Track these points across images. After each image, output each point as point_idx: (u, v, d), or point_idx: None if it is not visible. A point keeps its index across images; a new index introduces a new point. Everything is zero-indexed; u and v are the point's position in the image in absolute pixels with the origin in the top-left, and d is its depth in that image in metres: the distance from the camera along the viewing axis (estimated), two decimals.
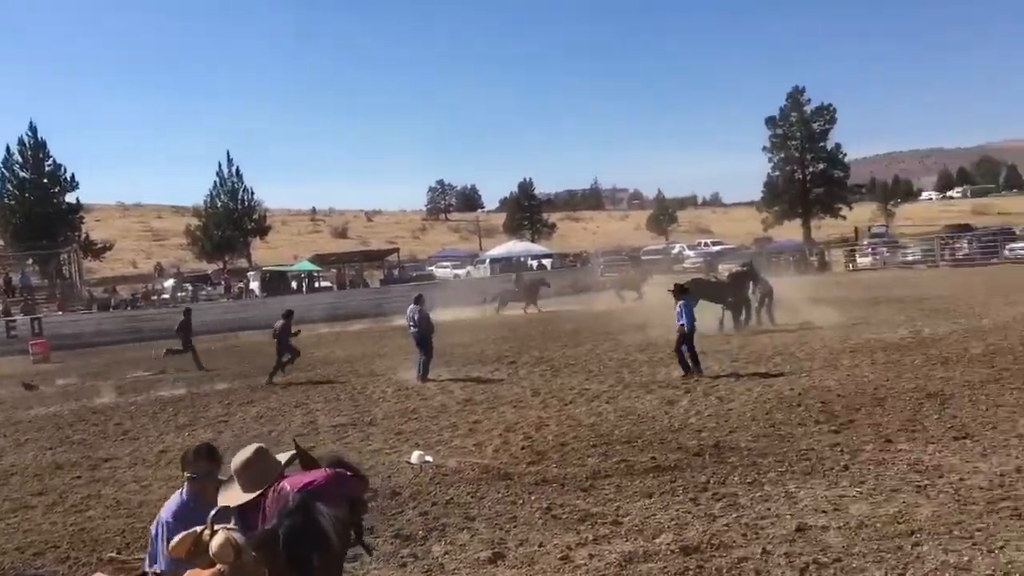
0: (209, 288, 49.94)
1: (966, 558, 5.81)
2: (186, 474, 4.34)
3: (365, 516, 3.93)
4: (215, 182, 67.75)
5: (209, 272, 59.94)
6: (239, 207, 67.00)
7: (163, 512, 4.32)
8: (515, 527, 7.32)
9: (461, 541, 7.07)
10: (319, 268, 50.94)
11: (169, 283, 49.32)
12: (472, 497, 8.35)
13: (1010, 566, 5.59)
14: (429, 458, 10.05)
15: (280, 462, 3.73)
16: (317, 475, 3.47)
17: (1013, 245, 43.91)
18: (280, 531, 3.02)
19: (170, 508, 4.29)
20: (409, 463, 9.94)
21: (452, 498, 8.37)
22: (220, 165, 66.83)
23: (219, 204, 66.99)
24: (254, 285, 49.63)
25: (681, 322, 14.63)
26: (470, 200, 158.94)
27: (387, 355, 21.33)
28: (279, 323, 18.65)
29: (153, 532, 4.33)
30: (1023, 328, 17.28)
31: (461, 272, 58.83)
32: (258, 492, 3.55)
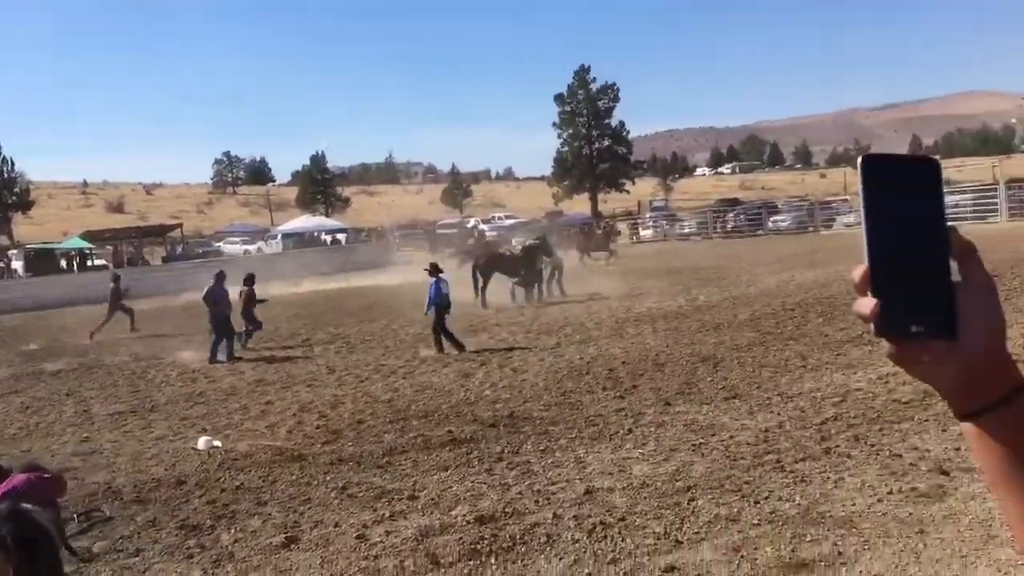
0: None
1: (735, 509, 6.28)
2: None
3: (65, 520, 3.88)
4: None
5: None
6: None
7: None
8: (309, 509, 7.17)
9: (252, 527, 6.83)
10: (91, 245, 47.41)
11: None
12: (264, 481, 8.09)
13: (773, 515, 6.10)
14: (217, 443, 9.63)
15: None
16: (16, 480, 3.34)
17: (776, 217, 47.81)
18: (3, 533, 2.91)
19: None
20: (195, 449, 9.48)
21: (242, 483, 8.07)
22: None
23: None
24: (17, 264, 45.56)
25: (430, 300, 14.81)
26: (259, 173, 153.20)
27: (170, 336, 20.21)
28: (243, 290, 17.58)
29: None
30: (784, 295, 18.87)
31: (252, 248, 56.67)
32: None
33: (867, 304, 0.72)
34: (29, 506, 3.00)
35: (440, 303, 14.78)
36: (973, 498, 6.01)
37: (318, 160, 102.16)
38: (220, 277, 16.68)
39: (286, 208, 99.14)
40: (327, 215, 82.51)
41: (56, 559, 3.20)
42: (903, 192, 0.71)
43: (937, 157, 0.76)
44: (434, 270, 15.11)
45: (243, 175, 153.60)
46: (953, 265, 0.72)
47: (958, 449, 7.09)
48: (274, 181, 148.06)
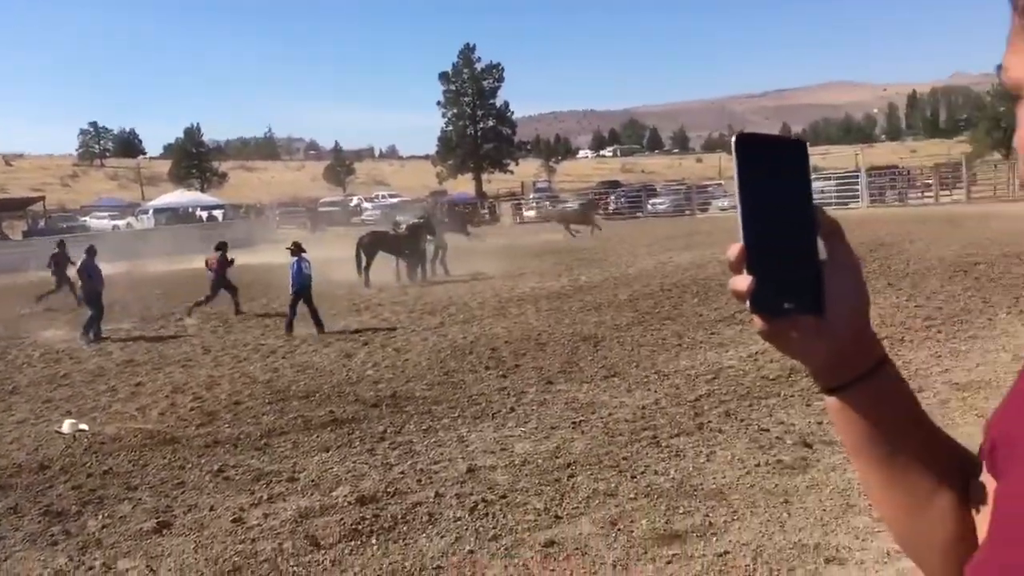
0: None
1: (614, 484, 6.45)
2: None
3: None
4: None
5: None
6: None
7: None
8: (183, 493, 6.95)
9: (121, 513, 6.57)
10: None
11: None
12: (134, 465, 7.79)
13: (649, 488, 6.29)
14: (84, 426, 9.21)
15: None
16: None
17: (654, 200, 49.06)
18: None
19: None
20: (60, 433, 9.03)
21: (111, 468, 7.74)
22: None
23: None
24: None
25: (292, 279, 14.68)
26: (129, 145, 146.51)
27: (33, 315, 19.17)
28: (214, 255, 17.53)
29: None
30: (662, 276, 19.40)
31: (121, 223, 54.21)
32: None
33: (742, 282, 0.74)
34: None
35: (302, 283, 14.60)
36: (834, 469, 6.35)
37: (193, 133, 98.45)
38: (92, 251, 16.19)
39: (158, 183, 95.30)
40: (203, 190, 79.74)
41: None
42: (774, 172, 0.74)
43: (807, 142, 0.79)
44: (296, 249, 14.89)
45: (111, 147, 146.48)
46: (820, 244, 0.75)
47: (820, 423, 7.48)
48: (145, 154, 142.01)
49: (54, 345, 14.88)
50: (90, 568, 5.58)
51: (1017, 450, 0.64)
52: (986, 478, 0.71)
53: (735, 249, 0.74)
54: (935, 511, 0.76)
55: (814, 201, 0.75)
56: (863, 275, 0.77)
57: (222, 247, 17.88)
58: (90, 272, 15.70)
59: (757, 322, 0.75)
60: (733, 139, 0.74)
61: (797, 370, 9.47)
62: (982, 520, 0.71)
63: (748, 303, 0.74)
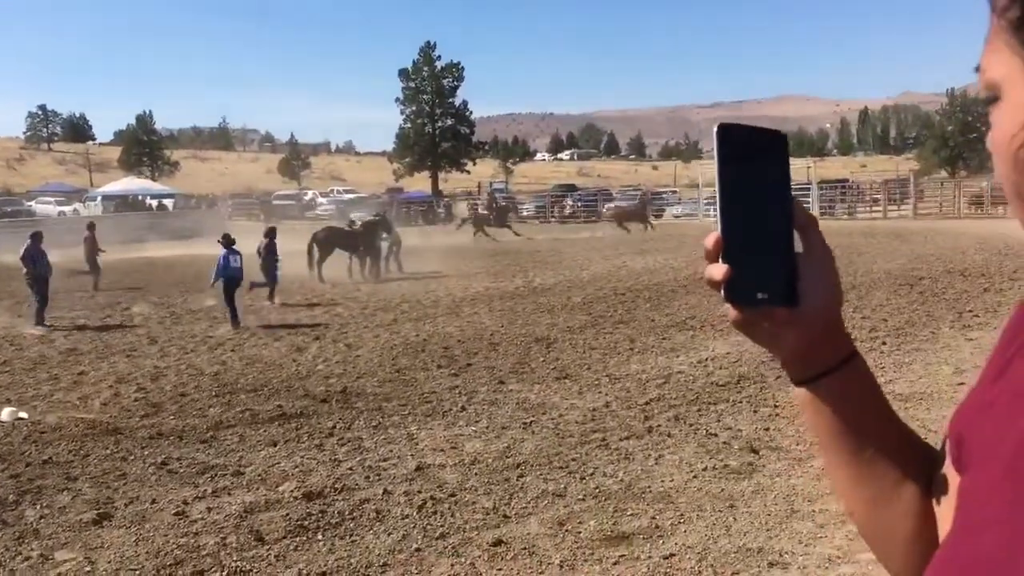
0: None
1: (563, 485, 6.47)
2: None
3: None
4: None
5: None
6: None
7: None
8: (125, 485, 6.81)
9: (61, 503, 6.42)
10: None
11: None
12: (75, 455, 7.61)
13: (598, 490, 6.33)
14: (23, 414, 8.98)
15: None
16: None
17: (610, 204, 49.28)
18: None
19: None
20: None
21: (50, 457, 7.56)
22: None
23: None
24: None
25: (218, 271, 14.65)
26: (78, 130, 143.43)
27: None
28: (263, 243, 17.45)
29: None
30: (616, 280, 19.52)
31: (68, 209, 52.97)
32: None
33: (717, 271, 0.74)
34: None
35: (228, 276, 14.50)
36: (779, 475, 6.45)
37: (144, 120, 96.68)
38: (36, 237, 15.87)
39: (107, 169, 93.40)
40: (153, 179, 78.33)
41: None
42: (754, 163, 0.74)
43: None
44: (227, 242, 14.76)
45: (60, 131, 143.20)
46: (796, 237, 0.76)
47: (767, 429, 7.59)
48: (94, 139, 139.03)
49: None
50: (27, 558, 5.44)
51: (979, 445, 0.65)
52: (948, 471, 0.72)
53: (712, 238, 0.74)
54: (900, 504, 0.77)
55: (791, 192, 0.75)
56: (837, 270, 0.78)
57: (271, 233, 17.87)
58: (34, 258, 15.31)
59: (731, 312, 0.76)
60: (715, 127, 0.75)
61: (746, 377, 9.60)
62: (944, 512, 0.72)
63: (723, 292, 0.74)
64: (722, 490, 6.23)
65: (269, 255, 17.32)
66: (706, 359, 10.67)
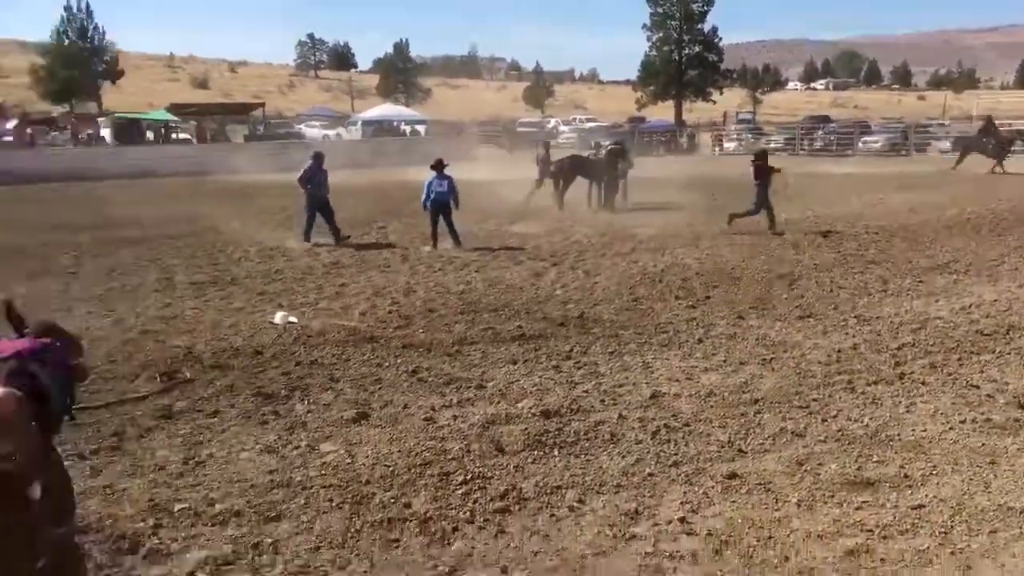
0: (55, 133, 46.65)
1: (802, 425, 6.26)
2: None
3: (82, 382, 4.12)
4: (62, 17, 62.43)
5: (55, 115, 55.84)
6: (88, 46, 62.16)
7: None
8: (380, 389, 7.37)
9: (325, 401, 7.07)
10: (176, 119, 48.20)
11: (11, 124, 45.56)
12: (337, 359, 8.32)
13: (840, 433, 6.06)
14: (293, 319, 9.91)
15: None
16: (29, 343, 3.59)
17: (867, 138, 45.99)
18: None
19: None
20: (272, 323, 9.78)
21: (316, 359, 8.31)
22: None
23: (66, 42, 61.93)
24: (105, 132, 46.68)
25: (428, 195, 15.14)
26: (342, 58, 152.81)
27: (249, 215, 20.66)
28: (754, 164, 16.64)
29: None
30: (870, 216, 18.31)
31: (331, 133, 56.97)
32: None
33: None
34: (35, 367, 3.43)
35: (439, 200, 14.98)
36: None
37: (401, 49, 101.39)
38: (319, 158, 16.31)
39: (366, 96, 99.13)
40: (407, 105, 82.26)
41: (56, 417, 3.54)
42: None
43: None
44: (439, 166, 15.14)
45: (326, 59, 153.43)
46: None
47: None
48: (356, 67, 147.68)
49: (267, 244, 15.96)
50: (296, 447, 6.05)
51: None
52: None
53: None
54: None
55: None
56: None
57: (762, 156, 16.91)
58: (311, 178, 15.98)
59: None
60: None
61: (1016, 327, 8.76)
62: None
63: None
64: (982, 444, 5.77)
65: (762, 176, 16.44)
66: (970, 306, 9.83)
